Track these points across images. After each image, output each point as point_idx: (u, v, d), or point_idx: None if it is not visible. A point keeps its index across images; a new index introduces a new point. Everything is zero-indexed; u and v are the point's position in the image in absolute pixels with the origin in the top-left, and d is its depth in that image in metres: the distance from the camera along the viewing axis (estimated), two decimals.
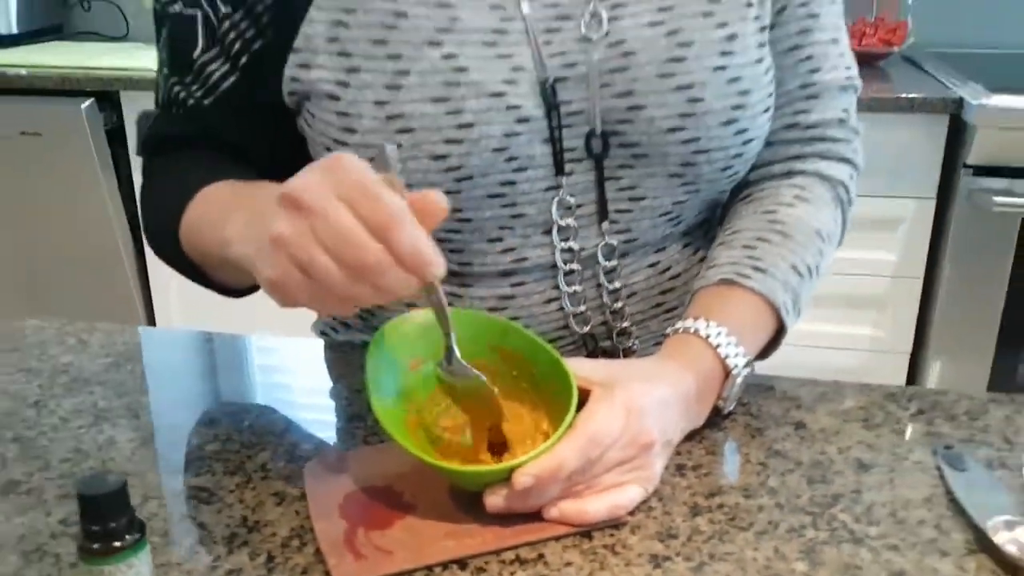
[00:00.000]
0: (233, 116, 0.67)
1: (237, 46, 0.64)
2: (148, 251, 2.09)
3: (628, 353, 0.71)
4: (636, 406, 0.51)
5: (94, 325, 0.77)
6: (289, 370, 0.75)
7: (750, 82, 0.64)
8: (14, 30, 2.49)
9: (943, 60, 2.00)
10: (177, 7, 0.65)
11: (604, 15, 0.62)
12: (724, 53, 0.63)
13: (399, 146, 0.60)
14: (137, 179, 2.06)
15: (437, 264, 0.44)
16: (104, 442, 0.60)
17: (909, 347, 1.91)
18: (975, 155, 1.68)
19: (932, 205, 1.81)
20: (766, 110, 0.66)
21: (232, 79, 0.65)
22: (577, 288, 0.67)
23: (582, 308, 0.68)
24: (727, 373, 0.59)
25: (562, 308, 0.67)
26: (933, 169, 1.78)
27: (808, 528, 0.50)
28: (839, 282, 1.88)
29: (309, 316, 0.68)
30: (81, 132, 2.01)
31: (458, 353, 0.52)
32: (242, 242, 0.51)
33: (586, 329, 0.68)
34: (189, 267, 0.65)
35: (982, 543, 0.49)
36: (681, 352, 0.59)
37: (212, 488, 0.55)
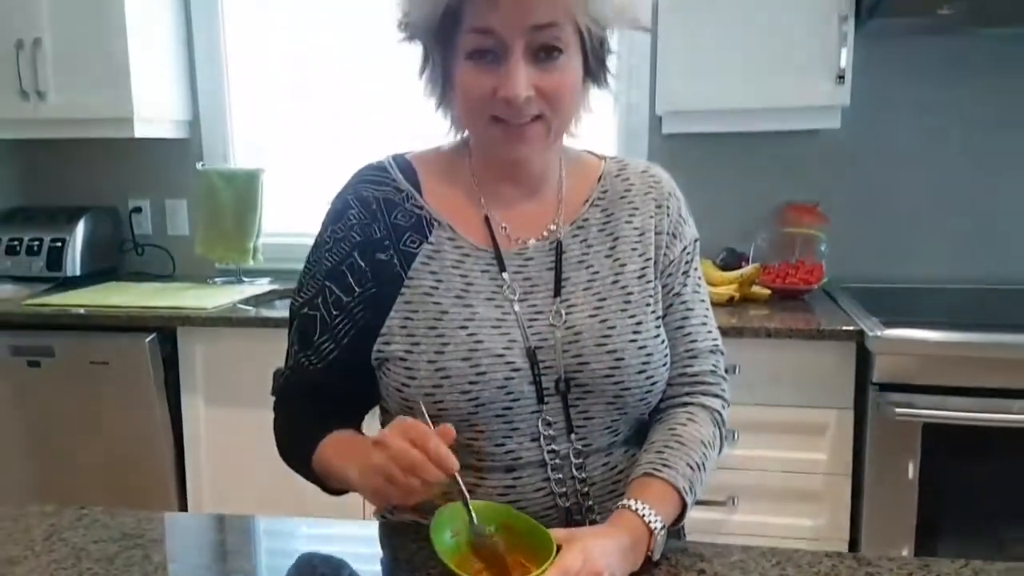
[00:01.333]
0: (334, 375, 1.06)
1: (340, 333, 1.05)
2: (187, 453, 2.43)
3: (592, 523, 1.05)
4: (590, 550, 0.86)
5: (213, 514, 1.12)
6: (361, 541, 1.09)
7: (652, 348, 1.04)
8: (77, 272, 2.94)
9: (852, 294, 2.46)
10: (305, 310, 1.06)
11: (563, 312, 1.03)
12: (635, 332, 1.04)
13: (441, 386, 0.99)
14: (186, 401, 2.45)
15: (453, 462, 0.83)
16: None
17: (847, 535, 2.22)
18: (878, 375, 2.08)
19: (851, 415, 2.19)
20: (663, 364, 1.06)
21: (336, 352, 1.05)
22: (559, 477, 1.03)
23: (563, 490, 1.04)
24: (651, 532, 0.94)
25: (551, 492, 1.03)
26: (848, 385, 2.18)
27: None
28: (781, 479, 2.23)
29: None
30: (143, 361, 2.40)
31: (475, 517, 0.88)
32: (357, 480, 0.92)
33: (566, 505, 1.04)
34: (310, 474, 1.02)
35: None
36: (619, 520, 0.95)
37: None
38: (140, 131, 2.74)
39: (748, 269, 2.46)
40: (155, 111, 2.81)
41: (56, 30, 2.68)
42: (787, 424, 2.21)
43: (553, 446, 1.03)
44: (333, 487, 1.03)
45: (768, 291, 2.48)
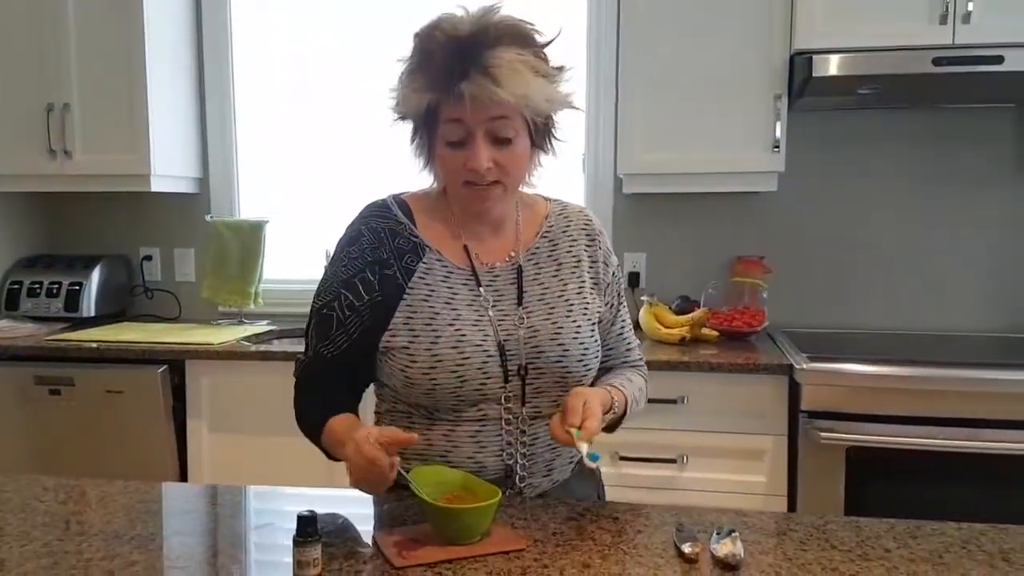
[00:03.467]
0: (345, 360, 1.35)
1: (352, 329, 1.34)
2: (189, 473, 2.68)
3: (523, 479, 1.34)
4: (584, 391, 1.25)
5: (212, 485, 1.38)
6: (352, 501, 1.36)
7: (588, 343, 1.36)
8: (92, 313, 3.22)
9: (791, 337, 2.76)
10: (324, 311, 1.36)
11: (524, 316, 1.34)
12: (576, 331, 1.35)
13: (435, 367, 1.28)
14: (191, 426, 2.70)
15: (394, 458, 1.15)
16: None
17: None
18: (805, 403, 2.36)
19: (785, 440, 2.47)
20: (596, 355, 1.38)
21: (347, 344, 1.34)
22: (510, 429, 1.33)
23: (510, 439, 1.33)
24: (611, 407, 1.30)
25: (503, 442, 1.33)
26: (782, 414, 2.46)
27: (608, 548, 1.12)
28: (724, 499, 2.48)
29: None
30: (155, 390, 2.67)
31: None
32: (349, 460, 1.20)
33: (511, 460, 1.33)
34: (318, 442, 1.31)
35: (681, 555, 1.10)
36: (601, 390, 1.33)
37: (337, 553, 1.15)
38: (156, 186, 3.05)
39: (697, 313, 2.76)
40: (169, 168, 3.13)
41: (83, 96, 3.01)
42: (729, 449, 2.49)
43: (510, 405, 1.33)
44: (333, 457, 1.32)
45: (716, 333, 2.78)
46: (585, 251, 1.43)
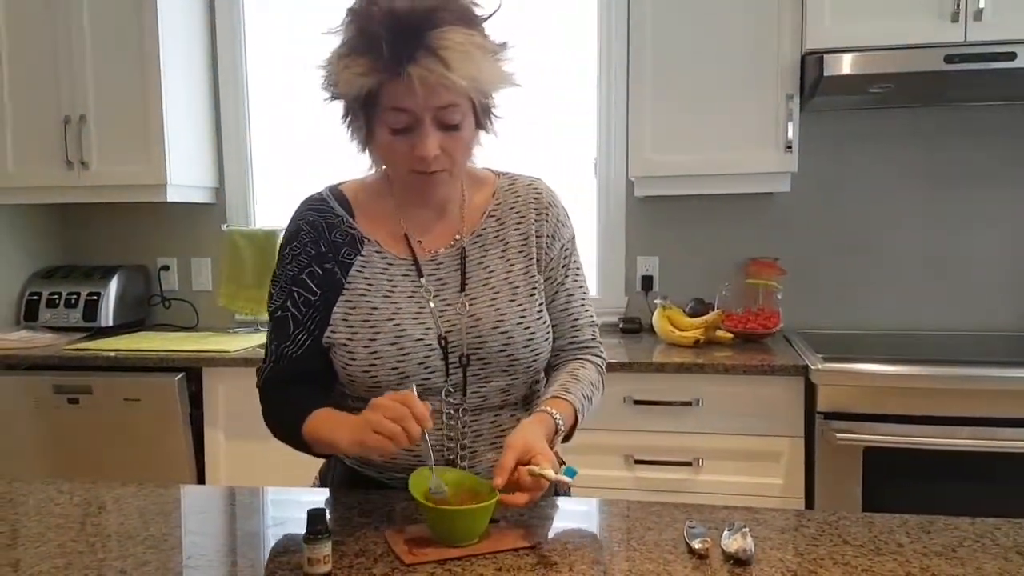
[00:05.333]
0: (310, 358, 1.33)
1: (311, 325, 1.33)
2: (207, 481, 2.69)
3: (471, 466, 1.33)
4: (527, 434, 1.19)
5: (228, 487, 1.39)
6: (364, 501, 1.36)
7: (535, 328, 1.34)
8: (110, 323, 3.25)
9: (806, 338, 2.75)
10: (279, 313, 1.34)
11: (466, 304, 1.32)
12: (521, 316, 1.33)
13: (375, 365, 1.27)
14: (208, 433, 2.72)
15: (428, 422, 1.11)
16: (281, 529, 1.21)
17: None
18: (822, 404, 2.35)
19: (801, 442, 2.45)
20: (545, 339, 1.36)
21: (309, 341, 1.33)
22: (452, 423, 1.32)
23: (452, 434, 1.32)
24: (558, 430, 1.26)
25: (444, 435, 1.32)
26: (798, 415, 2.45)
27: (618, 544, 1.11)
28: (740, 502, 2.47)
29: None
30: (172, 397, 2.69)
31: (435, 475, 1.17)
32: (345, 439, 1.18)
33: (452, 452, 1.32)
34: (297, 442, 1.29)
35: (691, 551, 1.10)
36: (540, 418, 1.25)
37: (348, 551, 1.15)
38: (172, 196, 3.08)
39: (711, 315, 2.75)
40: (185, 178, 3.16)
41: (100, 108, 3.05)
42: (745, 452, 2.47)
43: (451, 399, 1.32)
44: (317, 452, 1.30)
45: (730, 335, 2.77)
46: (533, 226, 1.39)
